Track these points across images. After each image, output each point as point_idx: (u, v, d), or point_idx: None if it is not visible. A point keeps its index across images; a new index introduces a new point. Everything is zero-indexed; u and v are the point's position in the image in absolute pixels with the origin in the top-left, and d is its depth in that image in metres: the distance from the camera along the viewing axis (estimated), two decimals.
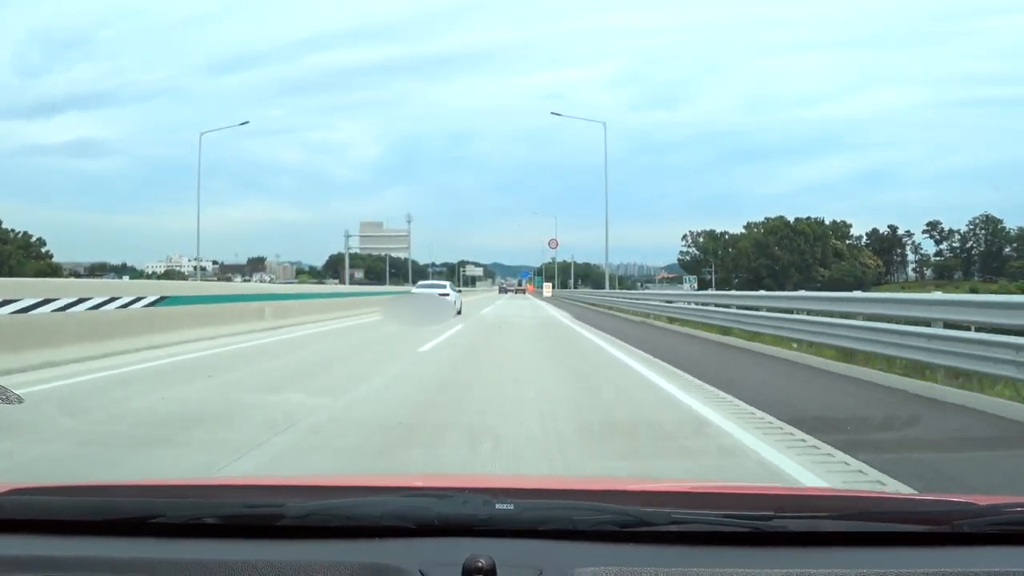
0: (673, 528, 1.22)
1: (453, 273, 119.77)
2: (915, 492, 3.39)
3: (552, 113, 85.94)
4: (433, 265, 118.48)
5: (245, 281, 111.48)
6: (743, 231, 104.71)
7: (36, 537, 1.25)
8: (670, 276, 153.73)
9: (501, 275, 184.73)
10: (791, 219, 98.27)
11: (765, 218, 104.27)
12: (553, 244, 53.62)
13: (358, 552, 1.17)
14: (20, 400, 2.12)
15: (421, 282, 30.81)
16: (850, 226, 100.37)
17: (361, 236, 71.26)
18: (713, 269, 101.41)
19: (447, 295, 21.68)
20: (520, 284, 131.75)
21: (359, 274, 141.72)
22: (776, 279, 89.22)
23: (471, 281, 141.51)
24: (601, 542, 1.22)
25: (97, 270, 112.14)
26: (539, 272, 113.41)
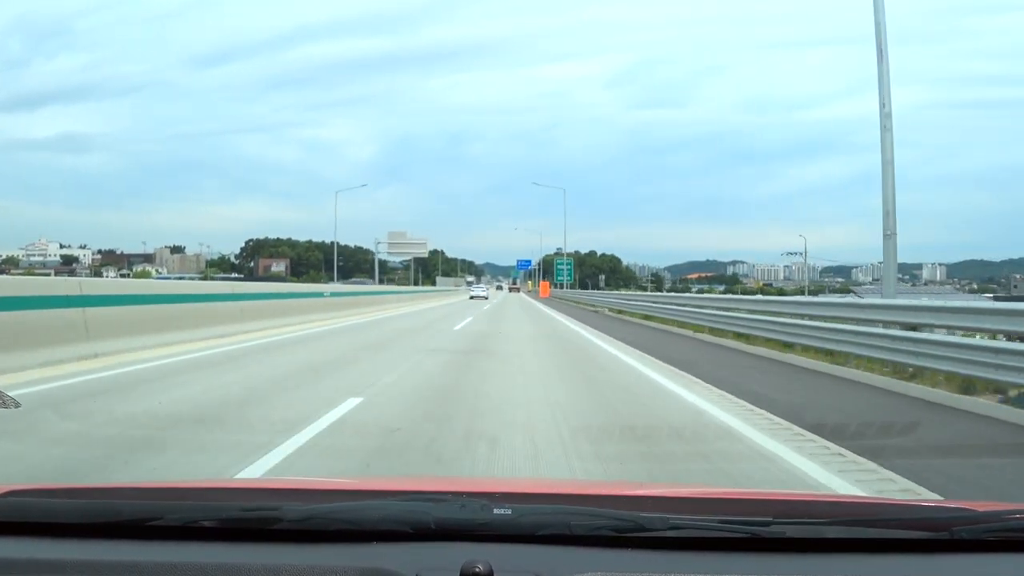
0: (671, 533, 1.22)
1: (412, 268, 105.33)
2: (914, 499, 3.37)
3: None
4: (399, 263, 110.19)
5: (122, 275, 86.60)
6: None
7: (33, 539, 1.24)
8: (707, 276, 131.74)
9: (492, 274, 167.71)
10: None
11: None
12: None
13: (355, 556, 1.17)
14: (17, 404, 2.09)
15: (475, 285, 56.57)
16: None
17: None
18: None
19: (485, 290, 44.03)
20: (515, 283, 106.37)
21: (279, 266, 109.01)
22: None
23: (434, 279, 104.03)
24: (598, 547, 1.21)
25: None
26: (541, 265, 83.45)
